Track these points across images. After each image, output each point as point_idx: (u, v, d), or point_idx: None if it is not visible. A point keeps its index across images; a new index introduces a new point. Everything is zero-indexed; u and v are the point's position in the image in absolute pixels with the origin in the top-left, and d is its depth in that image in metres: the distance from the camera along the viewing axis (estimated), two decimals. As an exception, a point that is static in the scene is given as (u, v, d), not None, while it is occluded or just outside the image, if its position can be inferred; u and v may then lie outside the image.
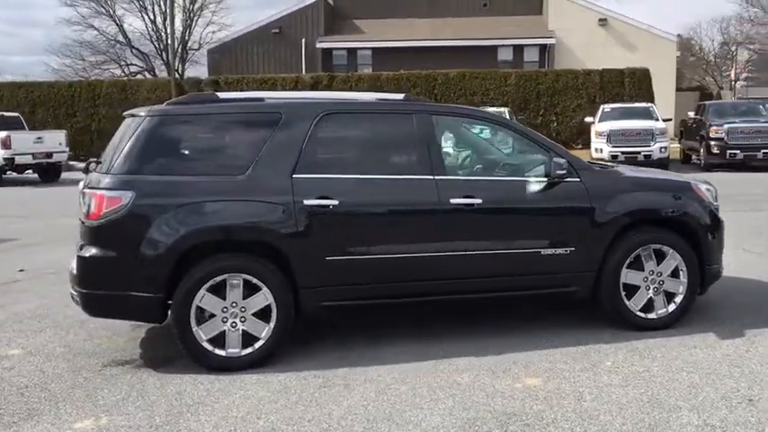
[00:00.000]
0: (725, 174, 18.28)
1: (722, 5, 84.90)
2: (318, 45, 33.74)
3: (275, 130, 5.06)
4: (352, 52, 34.25)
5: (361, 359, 5.05)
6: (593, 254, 5.37)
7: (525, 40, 33.05)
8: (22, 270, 8.32)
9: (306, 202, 4.93)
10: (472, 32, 32.81)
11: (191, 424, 4.07)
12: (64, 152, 21.26)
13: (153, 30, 43.10)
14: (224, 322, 4.85)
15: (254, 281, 4.86)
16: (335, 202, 4.98)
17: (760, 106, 22.07)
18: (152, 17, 43.05)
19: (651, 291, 5.50)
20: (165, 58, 42.53)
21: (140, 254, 4.73)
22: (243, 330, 4.88)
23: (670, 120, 22.73)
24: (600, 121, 21.03)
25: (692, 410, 4.08)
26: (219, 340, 4.86)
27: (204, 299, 4.81)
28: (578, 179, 5.41)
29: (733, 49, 56.43)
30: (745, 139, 19.63)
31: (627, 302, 5.46)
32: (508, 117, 17.27)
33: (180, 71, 38.90)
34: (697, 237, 5.58)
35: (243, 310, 4.87)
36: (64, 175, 21.74)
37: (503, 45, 33.12)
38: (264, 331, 4.90)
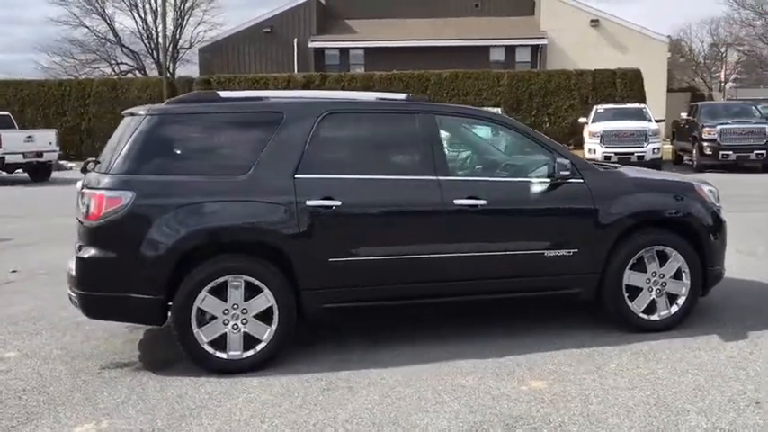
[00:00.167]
0: (717, 175, 18.29)
1: (712, 7, 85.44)
2: (310, 45, 33.63)
3: (277, 129, 4.99)
4: (344, 52, 34.17)
5: (363, 361, 5.00)
6: (596, 255, 5.34)
7: (517, 40, 33.05)
8: (14, 271, 8.22)
9: (308, 202, 4.88)
10: (464, 33, 32.81)
11: (193, 428, 4.01)
12: (54, 151, 21.09)
13: (144, 28, 42.97)
14: (225, 324, 4.79)
15: (256, 282, 4.80)
16: (338, 203, 4.92)
17: (752, 107, 22.21)
18: (143, 16, 42.88)
19: (654, 292, 5.47)
20: (155, 57, 42.38)
21: (140, 255, 4.66)
22: (244, 332, 4.81)
23: (663, 121, 22.81)
24: (593, 121, 21.09)
25: (700, 413, 4.05)
26: (220, 342, 4.79)
27: (205, 301, 4.74)
28: (581, 180, 5.38)
29: (722, 50, 56.77)
30: (737, 140, 19.72)
31: (629, 304, 5.43)
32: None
33: (171, 70, 38.70)
34: (699, 238, 5.56)
35: (244, 311, 4.81)
36: (54, 174, 21.59)
37: (495, 45, 33.12)
38: (266, 333, 4.84)
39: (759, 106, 23.06)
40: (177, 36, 42.19)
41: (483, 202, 5.16)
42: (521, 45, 33.30)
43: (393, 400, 4.33)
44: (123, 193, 4.68)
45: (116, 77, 36.92)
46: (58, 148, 21.33)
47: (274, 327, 4.85)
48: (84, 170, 5.28)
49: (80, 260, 4.81)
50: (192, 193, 4.80)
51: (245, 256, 4.86)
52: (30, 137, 20.50)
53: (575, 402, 4.24)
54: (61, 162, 23.59)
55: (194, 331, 4.74)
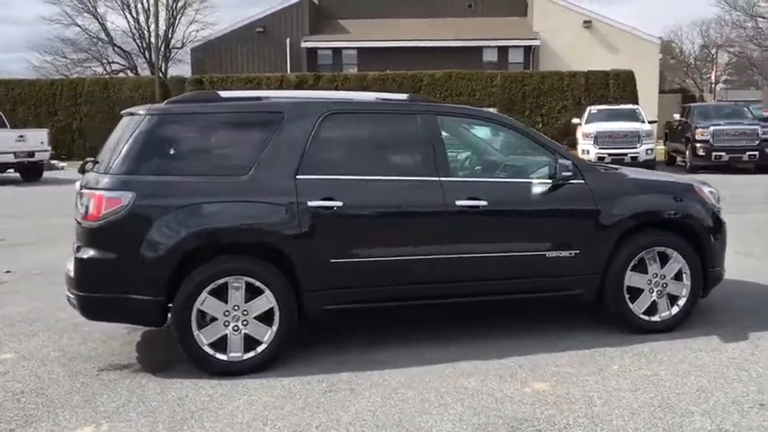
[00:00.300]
0: (710, 176, 18.30)
1: (703, 8, 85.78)
2: (303, 45, 33.55)
3: (278, 129, 4.96)
4: (337, 52, 34.10)
5: (364, 363, 4.97)
6: (598, 256, 5.33)
7: (510, 41, 33.08)
8: (8, 271, 8.14)
9: (309, 203, 4.84)
10: (457, 33, 32.80)
11: (195, 431, 3.97)
12: (46, 151, 20.93)
13: (135, 28, 42.74)
14: (226, 326, 4.75)
15: (257, 284, 4.76)
16: (339, 204, 4.89)
17: (744, 108, 22.30)
18: (135, 15, 42.68)
19: (655, 293, 5.47)
20: (147, 57, 42.18)
21: (141, 256, 4.61)
22: (245, 334, 4.77)
23: (656, 122, 22.88)
24: (587, 122, 21.12)
25: (705, 415, 4.04)
26: (221, 344, 4.75)
27: (205, 302, 4.70)
28: (583, 181, 5.37)
29: (713, 52, 57.05)
30: (730, 141, 19.79)
31: (630, 305, 5.43)
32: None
33: (163, 70, 38.54)
34: (700, 239, 5.55)
35: (245, 313, 4.77)
36: (46, 174, 21.45)
37: (488, 46, 33.13)
38: (267, 335, 4.81)
39: (751, 107, 23.13)
40: (169, 35, 42.02)
41: (484, 202, 5.13)
42: (513, 46, 33.32)
43: (396, 402, 4.30)
44: (123, 194, 4.64)
45: (108, 77, 36.71)
46: (49, 148, 21.18)
47: (275, 328, 4.81)
48: (83, 170, 5.22)
49: (79, 261, 4.76)
50: (193, 193, 4.76)
51: (246, 257, 4.82)
52: (21, 136, 20.35)
53: (578, 404, 4.22)
54: (53, 162, 23.43)
55: (195, 333, 4.69)
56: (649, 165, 18.89)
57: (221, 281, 4.71)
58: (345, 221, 4.94)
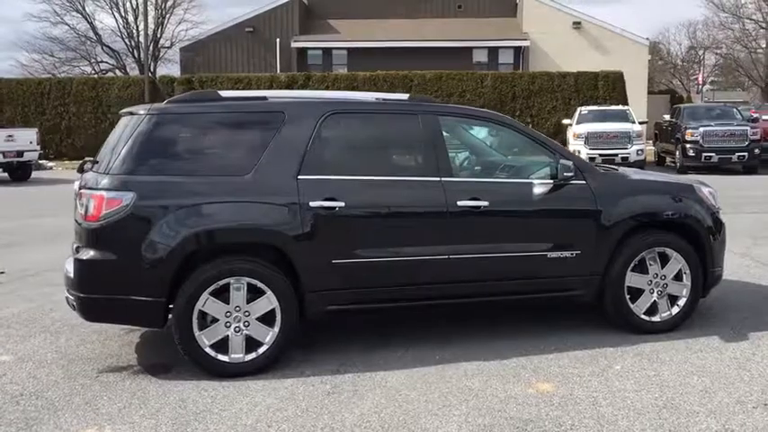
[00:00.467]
0: (701, 176, 18.44)
1: (691, 10, 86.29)
2: (293, 44, 33.47)
3: (279, 129, 4.93)
4: (327, 52, 34.05)
5: (365, 364, 4.94)
6: (599, 257, 5.33)
7: (500, 42, 33.14)
8: (1, 272, 8.05)
9: (311, 203, 4.81)
10: (447, 34, 32.83)
11: (199, 433, 3.94)
12: (35, 151, 20.78)
13: (124, 27, 42.46)
14: (227, 327, 4.71)
15: (258, 284, 4.72)
16: (341, 204, 4.86)
17: (733, 110, 22.44)
18: (123, 14, 42.41)
19: (655, 294, 5.48)
20: (136, 56, 41.92)
21: (142, 257, 4.57)
22: (246, 335, 4.74)
23: (646, 122, 22.99)
24: (577, 123, 21.19)
25: (710, 415, 4.04)
26: (222, 346, 4.71)
27: (207, 303, 4.66)
28: (584, 181, 5.37)
29: (700, 53, 57.38)
30: (719, 142, 19.93)
31: (631, 305, 5.43)
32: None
33: (152, 69, 38.32)
34: (700, 240, 5.57)
35: (246, 314, 4.73)
36: (34, 174, 21.29)
37: (478, 47, 33.20)
38: (269, 336, 4.77)
39: (740, 108, 23.29)
40: (158, 35, 41.77)
41: (486, 203, 5.12)
42: (503, 47, 33.38)
43: (400, 404, 4.28)
44: (124, 194, 4.59)
45: (96, 76, 36.46)
46: (38, 148, 21.02)
47: (277, 329, 4.78)
48: (81, 170, 5.17)
49: (79, 262, 4.70)
50: (193, 193, 4.71)
51: (248, 257, 4.78)
52: (10, 136, 20.19)
53: (583, 405, 4.22)
54: (41, 162, 23.25)
55: (196, 334, 4.65)
56: (639, 165, 18.97)
57: (223, 282, 4.67)
58: (347, 222, 4.91)
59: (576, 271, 5.32)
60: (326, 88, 26.29)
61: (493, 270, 5.20)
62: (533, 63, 32.19)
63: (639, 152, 19.96)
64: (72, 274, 4.76)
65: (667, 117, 23.06)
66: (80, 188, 4.86)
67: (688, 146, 20.11)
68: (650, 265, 5.45)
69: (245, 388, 4.54)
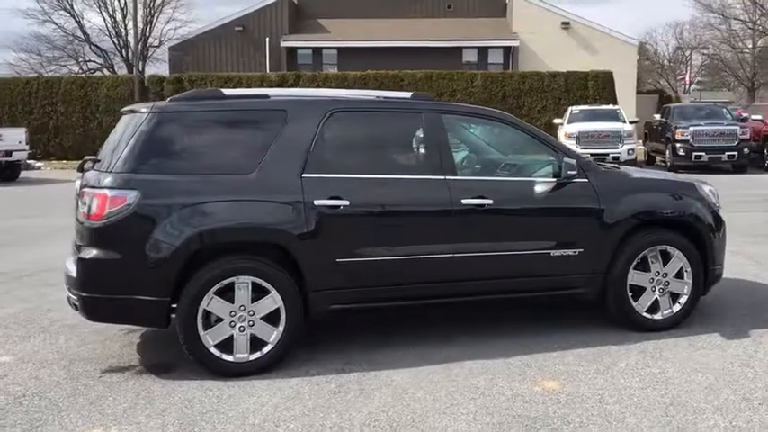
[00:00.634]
0: (692, 176, 18.54)
1: (678, 10, 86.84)
2: (283, 44, 33.38)
3: (283, 128, 4.90)
4: (317, 51, 33.99)
5: (371, 363, 4.93)
6: (601, 255, 5.34)
7: (490, 42, 33.19)
8: (-4, 272, 7.99)
9: (316, 202, 4.79)
10: (437, 34, 32.85)
11: (207, 433, 3.91)
12: (24, 150, 20.61)
13: (112, 25, 42.18)
14: (231, 326, 4.68)
15: (263, 283, 4.70)
16: (346, 203, 4.85)
17: (723, 109, 22.59)
18: (111, 13, 42.13)
19: (657, 292, 5.49)
20: (124, 55, 41.66)
21: (146, 256, 4.53)
22: (251, 335, 4.71)
23: (637, 121, 23.10)
24: (569, 122, 21.27)
25: (717, 412, 4.06)
26: (227, 345, 4.68)
27: (211, 302, 4.64)
28: (586, 180, 5.38)
29: (687, 53, 57.74)
30: (709, 141, 20.06)
31: (633, 303, 5.45)
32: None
33: (141, 68, 38.09)
34: (702, 238, 5.59)
35: (251, 313, 4.71)
36: (22, 174, 21.12)
37: (467, 47, 33.26)
38: (273, 335, 4.75)
39: (729, 107, 23.46)
40: (147, 34, 41.53)
41: (490, 201, 5.12)
42: (493, 47, 33.44)
43: (407, 402, 4.27)
44: (127, 193, 4.55)
45: (85, 75, 36.19)
46: (27, 147, 20.85)
47: (281, 328, 4.76)
48: (81, 169, 5.12)
49: (81, 261, 4.66)
50: (197, 192, 4.68)
51: (252, 256, 4.76)
52: (-1, 135, 20.03)
53: (590, 402, 4.22)
54: (29, 161, 23.06)
55: (200, 334, 4.62)
56: (630, 164, 19.09)
57: (227, 281, 4.65)
58: (351, 221, 4.90)
59: (578, 269, 5.33)
60: (317, 87, 26.25)
61: (496, 268, 5.20)
62: (523, 63, 32.27)
63: (630, 151, 20.07)
64: (74, 274, 4.72)
65: (657, 117, 23.17)
66: (82, 187, 4.82)
67: (678, 145, 20.23)
68: (652, 263, 5.47)
69: (250, 387, 4.51)
